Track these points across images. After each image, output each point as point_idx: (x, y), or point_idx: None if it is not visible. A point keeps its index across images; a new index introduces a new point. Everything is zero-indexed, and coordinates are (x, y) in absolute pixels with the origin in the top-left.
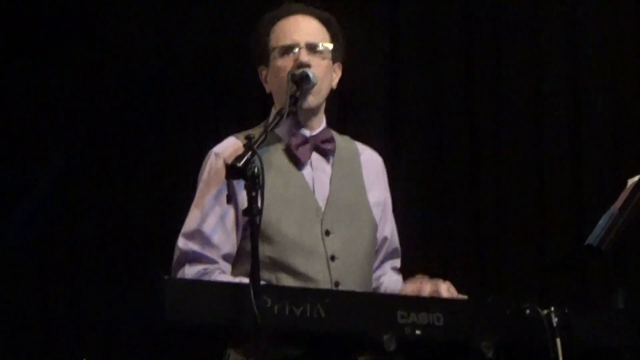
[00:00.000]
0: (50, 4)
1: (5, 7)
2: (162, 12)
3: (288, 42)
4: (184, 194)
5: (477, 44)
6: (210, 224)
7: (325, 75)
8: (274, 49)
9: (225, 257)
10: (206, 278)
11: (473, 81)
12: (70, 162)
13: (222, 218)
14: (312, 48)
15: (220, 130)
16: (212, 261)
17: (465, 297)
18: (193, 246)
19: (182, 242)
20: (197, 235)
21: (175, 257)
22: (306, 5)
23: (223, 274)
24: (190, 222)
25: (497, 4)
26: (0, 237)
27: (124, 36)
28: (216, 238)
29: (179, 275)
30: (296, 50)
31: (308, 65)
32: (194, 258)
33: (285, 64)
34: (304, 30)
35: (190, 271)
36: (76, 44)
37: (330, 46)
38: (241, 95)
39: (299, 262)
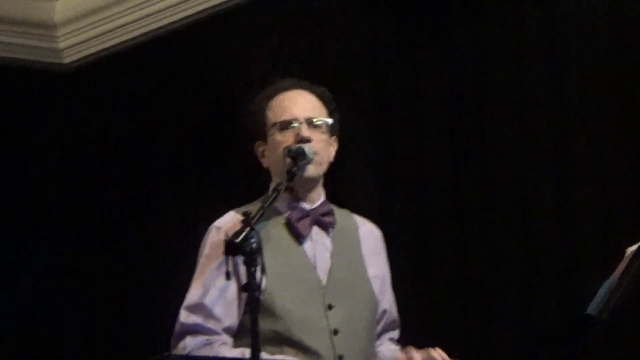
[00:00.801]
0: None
1: None
2: (154, 85)
3: (287, 117)
4: (178, 270)
5: (462, 113)
6: (211, 297)
7: (324, 148)
8: (273, 124)
9: (227, 330)
10: (207, 348)
11: (459, 150)
12: (57, 243)
13: (224, 291)
14: (311, 123)
15: (216, 208)
16: (214, 332)
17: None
18: (195, 319)
19: (183, 315)
20: (199, 308)
21: (175, 330)
22: (301, 81)
23: (225, 345)
24: (192, 296)
25: (481, 71)
26: None
27: (114, 112)
28: (218, 311)
29: (180, 347)
30: (295, 125)
31: (309, 140)
32: (195, 330)
33: (285, 139)
34: (303, 105)
35: (191, 342)
36: (65, 126)
37: (330, 121)
38: (233, 170)
39: (302, 337)
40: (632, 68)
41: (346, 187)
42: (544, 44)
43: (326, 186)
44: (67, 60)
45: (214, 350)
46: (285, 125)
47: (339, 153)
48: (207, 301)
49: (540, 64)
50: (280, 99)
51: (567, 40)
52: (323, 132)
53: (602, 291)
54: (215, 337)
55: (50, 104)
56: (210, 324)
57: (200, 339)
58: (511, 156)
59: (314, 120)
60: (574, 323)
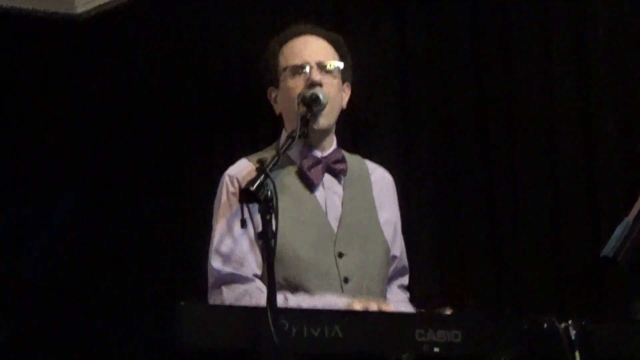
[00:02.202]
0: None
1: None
2: (171, 36)
3: (298, 61)
4: (197, 219)
5: (486, 60)
6: (239, 245)
7: (336, 94)
8: (284, 69)
9: (258, 276)
10: (246, 299)
11: (484, 97)
12: (82, 194)
13: (251, 239)
14: (322, 67)
15: (233, 154)
16: (248, 280)
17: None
18: (226, 268)
19: (216, 265)
20: (229, 256)
21: (210, 281)
22: (314, 26)
23: (259, 290)
24: (220, 245)
25: (506, 17)
26: (16, 269)
27: (133, 63)
28: (249, 258)
29: (217, 299)
30: (307, 69)
31: (320, 84)
32: (231, 280)
33: (296, 83)
34: (314, 50)
35: (229, 294)
36: (85, 77)
37: (341, 65)
38: (251, 117)
39: (313, 284)
40: None
41: (369, 134)
42: None
43: (348, 133)
44: (79, 10)
45: (253, 300)
46: (296, 69)
47: (361, 100)
48: (238, 250)
49: (566, 9)
50: (292, 44)
51: None
52: (335, 77)
53: (617, 233)
54: (251, 286)
55: (62, 54)
56: (243, 272)
57: (238, 290)
58: (538, 101)
59: (326, 64)
60: (592, 265)
